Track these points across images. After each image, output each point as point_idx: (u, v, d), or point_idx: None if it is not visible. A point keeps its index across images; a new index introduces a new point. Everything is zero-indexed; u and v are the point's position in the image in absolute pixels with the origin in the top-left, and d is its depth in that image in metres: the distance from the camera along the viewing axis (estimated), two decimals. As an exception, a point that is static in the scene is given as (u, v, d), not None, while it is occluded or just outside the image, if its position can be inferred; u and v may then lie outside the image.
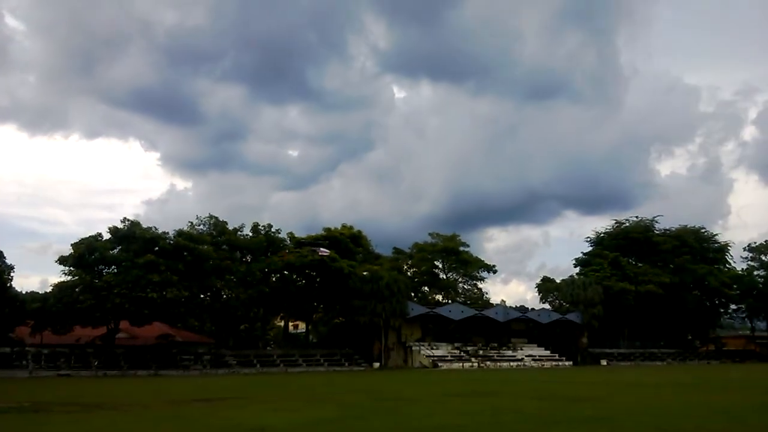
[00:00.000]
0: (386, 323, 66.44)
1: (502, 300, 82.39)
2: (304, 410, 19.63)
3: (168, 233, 59.79)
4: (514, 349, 75.53)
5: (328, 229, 71.26)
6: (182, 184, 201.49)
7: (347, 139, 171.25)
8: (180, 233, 60.46)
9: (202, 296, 62.53)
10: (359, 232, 73.52)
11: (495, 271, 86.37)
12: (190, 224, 64.91)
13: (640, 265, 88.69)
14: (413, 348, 68.96)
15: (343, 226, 72.79)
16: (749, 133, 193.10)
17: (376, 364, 65.67)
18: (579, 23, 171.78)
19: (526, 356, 73.49)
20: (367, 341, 69.11)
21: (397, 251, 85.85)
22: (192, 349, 61.66)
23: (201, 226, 65.31)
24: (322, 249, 65.60)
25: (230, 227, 66.42)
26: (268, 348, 70.72)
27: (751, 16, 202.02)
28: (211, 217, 66.25)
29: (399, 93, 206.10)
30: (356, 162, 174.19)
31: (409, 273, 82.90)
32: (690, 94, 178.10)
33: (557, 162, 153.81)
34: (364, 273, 67.93)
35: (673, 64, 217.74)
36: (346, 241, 69.93)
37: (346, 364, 65.18)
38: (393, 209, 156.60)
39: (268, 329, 78.13)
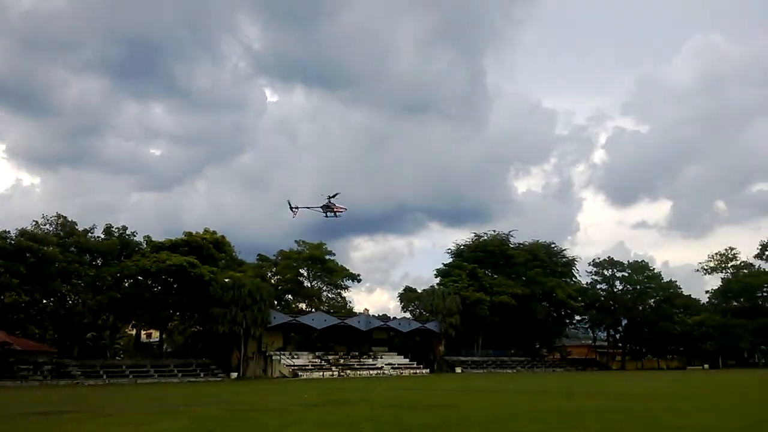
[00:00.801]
0: (246, 332, 64.77)
1: (366, 309, 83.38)
2: (153, 424, 18.49)
3: (9, 232, 55.02)
4: (375, 358, 76.39)
5: (189, 234, 68.43)
6: (29, 179, 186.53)
7: (215, 141, 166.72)
8: (22, 233, 55.84)
9: (45, 301, 57.91)
10: (222, 237, 71.28)
11: (360, 280, 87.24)
12: (35, 223, 60.17)
13: (495, 276, 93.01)
14: (273, 357, 67.75)
15: (206, 231, 70.24)
16: (599, 156, 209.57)
17: (234, 375, 63.81)
18: (451, 43, 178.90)
19: (386, 364, 74.55)
20: (225, 351, 66.97)
21: (262, 258, 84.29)
22: (31, 359, 56.68)
23: (47, 226, 60.65)
24: (338, 206, 61.37)
25: (81, 228, 62.11)
26: (117, 358, 66.48)
27: (606, 48, 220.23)
28: (58, 216, 61.67)
29: (272, 97, 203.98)
30: (223, 165, 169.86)
31: (273, 281, 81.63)
32: (548, 117, 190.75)
33: (425, 175, 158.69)
34: (226, 280, 65.98)
35: (534, 87, 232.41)
36: (209, 247, 67.52)
37: (202, 374, 62.72)
38: (260, 215, 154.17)
39: (118, 338, 73.56)
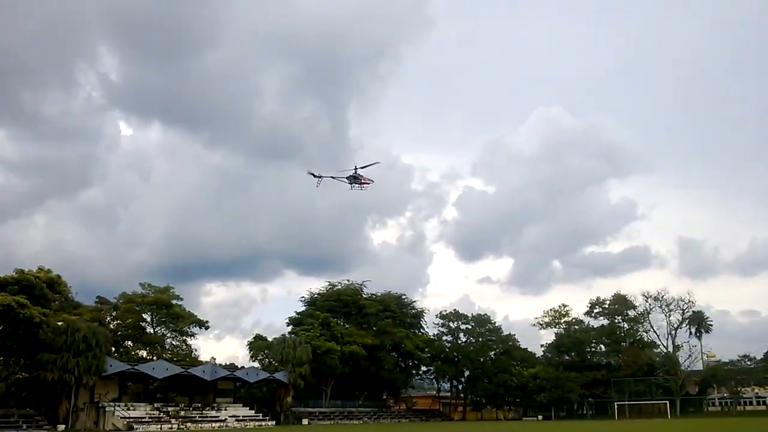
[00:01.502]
0: (78, 380, 59.98)
1: (212, 357, 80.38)
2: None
3: None
4: (219, 409, 73.44)
5: (21, 271, 62.60)
6: None
7: (60, 173, 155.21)
8: None
9: None
10: (58, 276, 65.91)
11: (208, 327, 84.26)
12: None
13: (347, 326, 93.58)
14: (107, 408, 63.16)
15: (39, 269, 64.71)
16: (450, 212, 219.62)
17: (62, 427, 58.60)
18: (317, 92, 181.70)
19: (230, 416, 71.85)
20: (53, 400, 61.43)
21: (101, 301, 78.91)
22: None
23: None
24: (365, 178, 57.58)
25: None
26: None
27: (462, 112, 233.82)
28: None
29: (126, 131, 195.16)
30: (67, 198, 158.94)
31: (112, 325, 76.63)
32: (405, 172, 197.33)
33: (284, 222, 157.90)
34: (59, 323, 61.07)
35: (394, 143, 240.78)
36: (42, 286, 62.04)
37: (25, 426, 56.93)
38: (104, 254, 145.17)
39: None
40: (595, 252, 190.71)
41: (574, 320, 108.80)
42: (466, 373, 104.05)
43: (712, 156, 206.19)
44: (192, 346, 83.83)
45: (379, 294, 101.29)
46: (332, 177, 58.13)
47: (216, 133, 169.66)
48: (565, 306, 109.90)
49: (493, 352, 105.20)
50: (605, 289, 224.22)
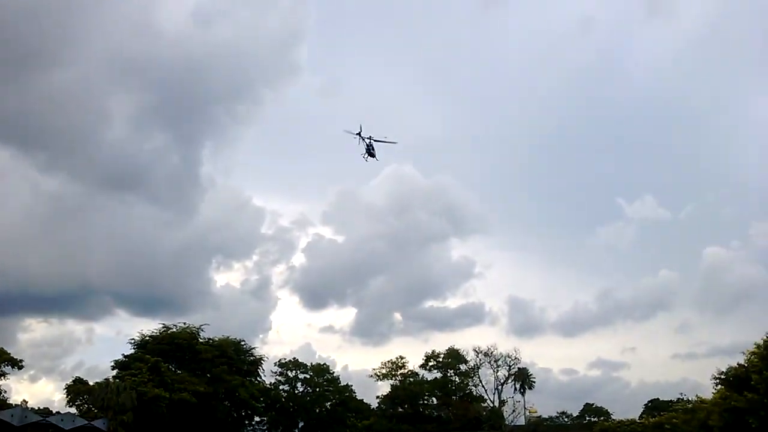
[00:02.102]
0: None
1: (24, 401, 72.53)
2: None
3: None
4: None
5: None
6: None
7: None
8: None
9: None
10: None
11: (22, 367, 76.42)
12: None
13: (179, 372, 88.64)
14: None
15: None
16: (297, 259, 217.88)
17: None
18: (170, 123, 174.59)
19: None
20: None
21: None
22: None
23: None
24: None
25: None
26: None
27: (317, 160, 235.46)
28: None
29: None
30: None
31: None
32: (256, 215, 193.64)
33: (120, 256, 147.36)
34: None
35: (247, 184, 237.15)
36: None
37: None
38: None
39: None
40: (434, 306, 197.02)
41: (409, 372, 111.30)
42: (301, 424, 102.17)
43: (543, 223, 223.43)
44: (2, 388, 75.49)
45: (217, 339, 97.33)
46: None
47: (55, 156, 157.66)
48: (402, 358, 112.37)
49: (329, 403, 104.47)
50: (441, 342, 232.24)
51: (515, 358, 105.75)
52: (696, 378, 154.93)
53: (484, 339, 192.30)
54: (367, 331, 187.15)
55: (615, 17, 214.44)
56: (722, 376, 70.24)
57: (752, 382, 62.46)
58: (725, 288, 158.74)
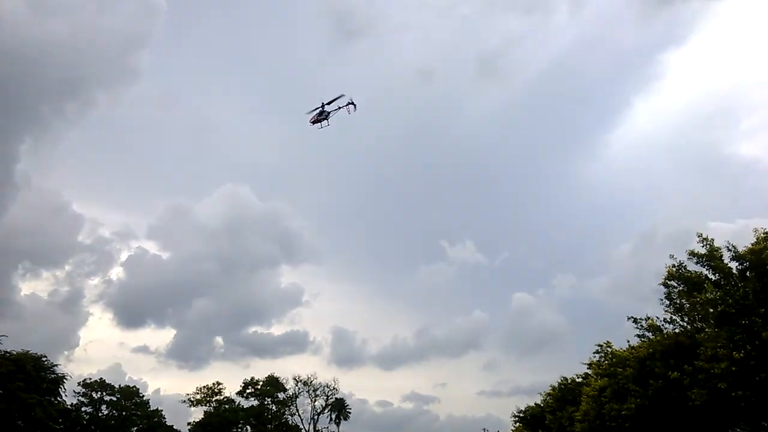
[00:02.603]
0: None
1: None
2: None
3: None
4: None
5: None
6: None
7: None
8: None
9: None
10: None
11: None
12: None
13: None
14: None
15: None
16: (116, 273, 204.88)
17: None
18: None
19: None
20: None
21: None
22: None
23: None
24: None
25: None
26: None
27: (145, 170, 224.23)
28: None
29: None
30: None
31: None
32: (74, 222, 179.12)
33: None
34: None
35: (67, 188, 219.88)
36: None
37: None
38: None
39: None
40: (259, 332, 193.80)
41: (225, 399, 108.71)
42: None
43: (372, 258, 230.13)
44: None
45: (15, 352, 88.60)
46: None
47: None
48: (219, 384, 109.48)
49: (136, 428, 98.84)
50: (263, 369, 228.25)
51: (333, 389, 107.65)
52: (499, 414, 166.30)
53: (305, 368, 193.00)
54: (185, 354, 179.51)
55: (451, 72, 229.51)
56: (521, 414, 77.08)
57: (546, 422, 69.29)
58: (529, 332, 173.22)
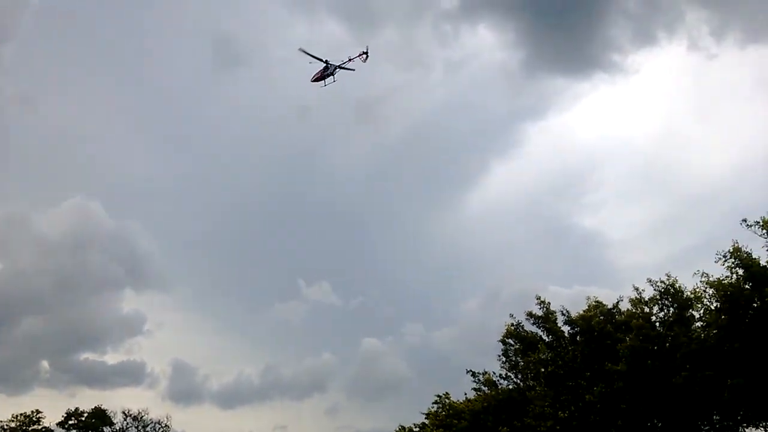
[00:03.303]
0: None
1: None
2: None
3: None
4: None
5: None
6: None
7: None
8: None
9: None
10: None
11: None
12: None
13: None
14: None
15: None
16: None
17: None
18: None
19: None
20: None
21: None
22: None
23: None
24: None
25: None
26: None
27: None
28: None
29: None
30: None
31: None
32: None
33: None
34: None
35: None
36: None
37: None
38: None
39: None
40: (90, 359, 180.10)
41: (44, 429, 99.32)
42: None
43: (226, 291, 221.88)
44: None
45: None
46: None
47: None
48: (38, 412, 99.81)
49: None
50: (90, 400, 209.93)
51: (165, 425, 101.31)
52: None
53: (138, 402, 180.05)
54: (4, 376, 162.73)
55: (329, 113, 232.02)
56: (357, 462, 76.77)
57: (382, 469, 69.57)
58: (375, 378, 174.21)
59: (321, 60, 60.67)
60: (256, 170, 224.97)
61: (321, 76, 61.30)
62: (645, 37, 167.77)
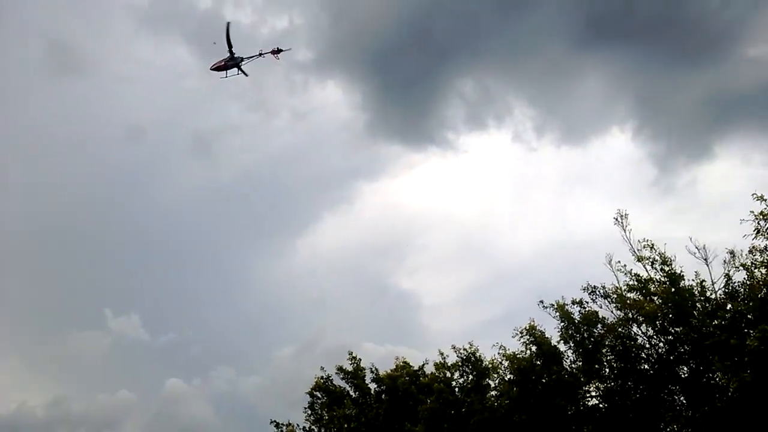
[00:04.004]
0: None
1: None
2: None
3: None
4: None
5: None
6: None
7: None
8: None
9: None
10: None
11: None
12: None
13: None
14: None
15: None
16: None
17: None
18: None
19: None
20: None
21: None
22: None
23: None
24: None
25: None
26: None
27: None
28: None
29: None
30: None
31: None
32: None
33: None
34: None
35: None
36: None
37: None
38: None
39: None
40: None
41: None
42: None
43: (14, 311, 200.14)
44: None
45: None
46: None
47: None
48: None
49: None
50: None
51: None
52: None
53: None
54: None
55: (165, 139, 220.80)
56: None
57: None
58: (177, 421, 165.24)
59: (230, 50, 55.80)
60: (74, 185, 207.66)
61: (224, 66, 56.08)
62: (476, 122, 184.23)
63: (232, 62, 55.94)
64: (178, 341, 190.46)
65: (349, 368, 48.96)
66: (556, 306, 39.83)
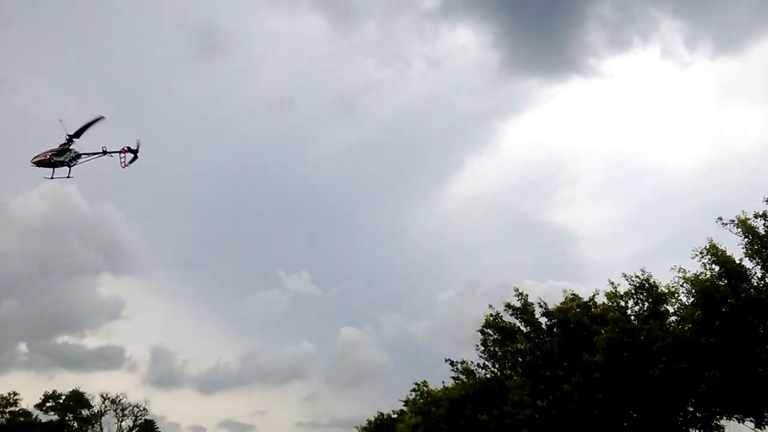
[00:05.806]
0: None
1: None
2: None
3: None
4: None
5: None
6: None
7: None
8: None
9: None
10: None
11: None
12: None
13: None
14: None
15: None
16: None
17: None
18: None
19: None
20: None
21: None
22: None
23: None
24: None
25: None
26: None
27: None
28: None
29: None
30: None
31: None
32: None
33: None
34: None
35: None
36: None
37: None
38: None
39: None
40: (69, 343, 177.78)
41: (21, 411, 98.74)
42: None
43: (205, 278, 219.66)
44: None
45: None
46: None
47: None
48: (15, 394, 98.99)
49: None
50: (69, 383, 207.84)
51: (144, 409, 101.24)
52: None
53: (117, 385, 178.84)
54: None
55: (309, 106, 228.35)
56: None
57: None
58: (353, 366, 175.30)
59: (71, 138, 43.02)
60: (237, 161, 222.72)
61: (48, 161, 42.90)
62: (620, 44, 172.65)
63: (60, 158, 42.99)
64: (346, 293, 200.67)
65: (517, 304, 48.99)
66: (737, 221, 37.18)
